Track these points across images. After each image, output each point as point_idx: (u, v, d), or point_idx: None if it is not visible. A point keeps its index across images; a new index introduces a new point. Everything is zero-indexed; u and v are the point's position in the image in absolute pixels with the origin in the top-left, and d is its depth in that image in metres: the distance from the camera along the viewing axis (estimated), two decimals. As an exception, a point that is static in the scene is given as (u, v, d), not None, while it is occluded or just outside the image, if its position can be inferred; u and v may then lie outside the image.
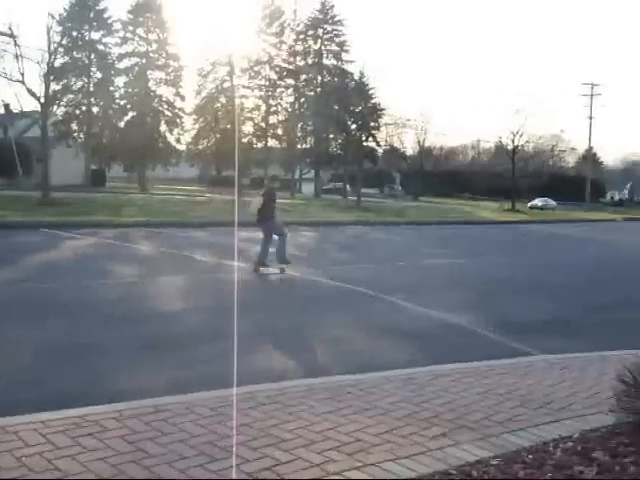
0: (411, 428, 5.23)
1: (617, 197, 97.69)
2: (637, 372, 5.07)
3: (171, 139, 72.13)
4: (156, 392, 6.06)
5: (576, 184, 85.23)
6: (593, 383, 6.87)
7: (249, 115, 71.97)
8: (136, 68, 69.02)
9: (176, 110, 71.53)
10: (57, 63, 42.24)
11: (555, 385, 6.75)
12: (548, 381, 6.90)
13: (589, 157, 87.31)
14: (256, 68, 71.39)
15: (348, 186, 72.80)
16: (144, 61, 69.09)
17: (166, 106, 71.01)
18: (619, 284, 16.85)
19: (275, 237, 15.68)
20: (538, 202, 74.79)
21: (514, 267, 19.31)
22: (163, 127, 71.51)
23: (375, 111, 66.69)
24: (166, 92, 70.86)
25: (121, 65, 69.57)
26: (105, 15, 68.54)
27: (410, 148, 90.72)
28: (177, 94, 70.89)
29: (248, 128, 71.78)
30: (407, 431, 5.17)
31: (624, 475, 4.41)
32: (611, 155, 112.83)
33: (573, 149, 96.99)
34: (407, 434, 5.10)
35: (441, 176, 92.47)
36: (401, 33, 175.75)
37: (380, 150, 79.43)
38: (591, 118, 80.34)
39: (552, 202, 75.04)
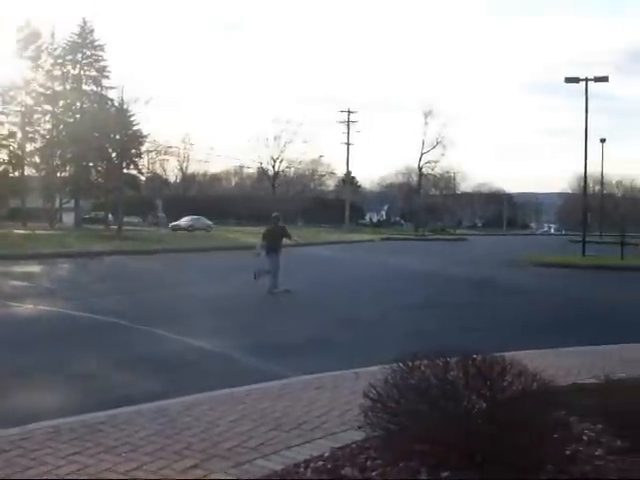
0: (162, 462, 5.10)
1: (376, 219, 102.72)
2: (381, 388, 5.22)
3: None
4: None
5: (336, 207, 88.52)
6: (346, 400, 7.02)
7: (4, 142, 68.42)
8: None
9: None
10: None
11: (309, 405, 6.86)
12: (303, 402, 6.99)
13: (348, 181, 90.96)
14: (11, 93, 68.05)
15: (110, 215, 71.05)
16: None
17: None
18: (375, 303, 17.53)
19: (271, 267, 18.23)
20: (182, 222, 66.57)
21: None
22: None
23: (136, 138, 65.55)
24: None
25: None
26: None
27: (173, 175, 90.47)
28: None
29: (3, 156, 68.29)
30: (157, 466, 5.03)
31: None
32: (368, 179, 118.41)
33: (332, 173, 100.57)
34: (157, 469, 4.97)
35: (205, 202, 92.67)
36: (161, 60, 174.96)
37: (142, 177, 78.35)
38: (348, 144, 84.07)
39: (206, 221, 68.06)
